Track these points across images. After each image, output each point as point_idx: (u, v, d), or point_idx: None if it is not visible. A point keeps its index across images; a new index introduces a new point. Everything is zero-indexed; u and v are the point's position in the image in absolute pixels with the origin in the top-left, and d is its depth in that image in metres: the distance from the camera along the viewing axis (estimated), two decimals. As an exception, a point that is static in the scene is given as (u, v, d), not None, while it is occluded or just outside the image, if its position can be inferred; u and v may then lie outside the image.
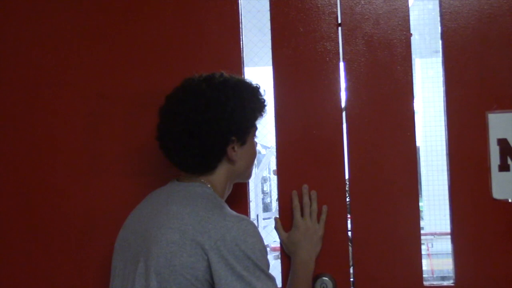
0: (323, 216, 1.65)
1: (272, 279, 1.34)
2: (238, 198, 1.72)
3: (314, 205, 1.66)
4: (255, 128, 1.51)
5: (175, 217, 1.33)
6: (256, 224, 1.37)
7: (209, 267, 1.28)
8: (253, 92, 1.49)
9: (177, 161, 1.45)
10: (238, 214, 1.36)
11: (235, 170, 1.48)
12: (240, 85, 1.48)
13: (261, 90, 1.52)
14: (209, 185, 1.44)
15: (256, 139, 1.53)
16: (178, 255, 1.29)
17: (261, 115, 1.51)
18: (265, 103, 1.51)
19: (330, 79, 1.71)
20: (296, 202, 1.66)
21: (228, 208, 1.39)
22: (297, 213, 1.65)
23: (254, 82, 1.52)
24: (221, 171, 1.46)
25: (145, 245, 1.34)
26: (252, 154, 1.52)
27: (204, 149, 1.41)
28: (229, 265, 1.28)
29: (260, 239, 1.35)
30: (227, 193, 1.52)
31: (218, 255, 1.28)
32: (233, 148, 1.44)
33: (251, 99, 1.47)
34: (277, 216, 1.71)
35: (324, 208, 1.66)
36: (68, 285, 1.75)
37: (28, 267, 1.76)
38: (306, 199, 1.66)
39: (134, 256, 1.37)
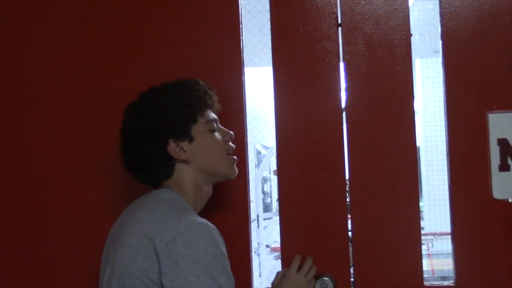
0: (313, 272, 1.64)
1: (226, 286, 1.29)
2: (239, 199, 1.72)
3: (315, 268, 1.64)
4: (207, 121, 1.46)
5: (137, 222, 1.34)
6: (215, 229, 1.33)
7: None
8: (184, 89, 1.46)
9: (134, 175, 1.49)
10: (197, 218, 1.34)
11: (198, 169, 1.45)
12: (168, 87, 1.47)
13: (199, 84, 1.48)
14: (176, 190, 1.43)
15: (216, 133, 1.47)
16: (135, 258, 1.29)
17: (203, 108, 1.46)
18: (203, 96, 1.47)
19: (330, 79, 1.71)
20: (298, 259, 1.64)
21: (190, 213, 1.37)
22: (294, 267, 1.63)
23: (194, 79, 1.50)
24: (183, 174, 1.45)
25: (112, 251, 1.37)
26: (209, 147, 1.45)
27: (146, 159, 1.43)
28: (178, 268, 1.26)
29: (215, 244, 1.30)
30: (206, 195, 1.50)
31: (168, 258, 1.27)
32: (181, 148, 1.43)
33: (180, 97, 1.44)
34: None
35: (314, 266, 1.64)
36: (67, 286, 1.75)
37: (26, 268, 1.76)
38: (310, 263, 1.64)
39: (104, 262, 1.41)
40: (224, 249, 1.34)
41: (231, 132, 1.51)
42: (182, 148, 1.43)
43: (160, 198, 1.40)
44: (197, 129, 1.44)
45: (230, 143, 1.52)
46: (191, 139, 1.43)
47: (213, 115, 1.49)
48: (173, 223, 1.31)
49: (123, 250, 1.32)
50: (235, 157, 1.52)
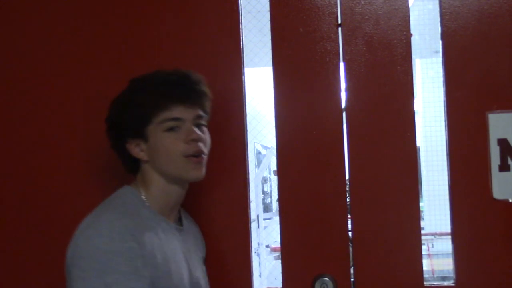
0: None
1: (115, 285, 1.26)
2: (239, 199, 1.72)
3: None
4: (161, 120, 1.39)
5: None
6: (130, 229, 1.31)
7: None
8: (141, 86, 1.43)
9: None
10: (114, 215, 1.34)
11: (157, 170, 1.42)
12: (132, 83, 1.45)
13: (166, 79, 1.42)
14: (141, 188, 1.44)
15: (174, 133, 1.40)
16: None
17: (160, 106, 1.39)
18: (166, 92, 1.40)
19: (330, 79, 1.71)
20: None
21: (119, 210, 1.36)
22: None
23: (171, 71, 1.45)
24: (146, 173, 1.44)
25: None
26: (162, 148, 1.39)
27: (117, 154, 1.47)
28: (74, 261, 1.31)
29: (111, 241, 1.28)
30: (176, 196, 1.46)
31: (70, 251, 1.34)
32: (140, 147, 1.42)
33: (135, 96, 1.42)
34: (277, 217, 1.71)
35: None
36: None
37: (23, 269, 1.76)
38: None
39: None
40: (133, 249, 1.29)
41: (198, 133, 1.41)
42: (140, 147, 1.42)
43: (113, 195, 1.43)
44: (152, 129, 1.40)
45: (198, 144, 1.41)
46: (146, 139, 1.41)
47: (172, 114, 1.39)
48: (87, 219, 1.35)
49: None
50: (197, 158, 1.41)
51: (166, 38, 1.75)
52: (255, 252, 5.36)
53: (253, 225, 4.93)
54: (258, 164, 6.37)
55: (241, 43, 1.73)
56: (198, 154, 1.41)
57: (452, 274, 1.71)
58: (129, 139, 1.42)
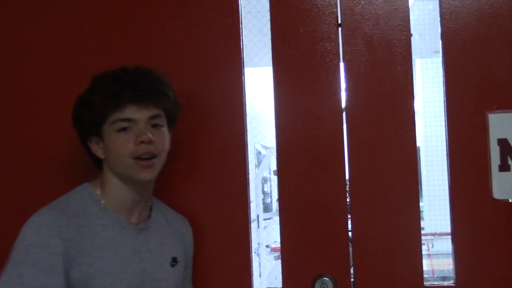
0: None
1: (29, 279, 1.28)
2: (239, 199, 1.72)
3: None
4: (113, 120, 1.38)
5: None
6: (50, 218, 1.34)
7: None
8: (103, 84, 1.41)
9: None
10: (43, 213, 1.36)
11: (112, 168, 1.43)
12: (95, 79, 1.45)
13: (119, 79, 1.40)
14: (95, 186, 1.45)
15: (126, 134, 1.38)
16: None
17: (113, 106, 1.37)
18: (119, 92, 1.38)
19: (330, 79, 1.71)
20: None
21: (56, 207, 1.38)
22: None
23: (125, 69, 1.44)
24: (104, 170, 1.46)
25: None
26: (113, 148, 1.38)
27: (85, 150, 1.47)
28: None
29: (35, 234, 1.31)
30: (132, 196, 1.44)
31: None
32: (98, 145, 1.43)
33: (96, 93, 1.41)
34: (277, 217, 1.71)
35: None
36: None
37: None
38: None
39: None
40: (56, 246, 1.31)
41: (148, 135, 1.37)
42: (99, 145, 1.43)
43: (70, 192, 1.46)
44: (106, 128, 1.40)
45: (148, 146, 1.38)
46: (101, 138, 1.41)
47: (124, 114, 1.37)
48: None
49: None
50: (146, 161, 1.38)
51: (167, 38, 1.75)
52: (255, 252, 5.36)
53: (253, 225, 4.93)
54: (258, 164, 6.37)
55: (241, 43, 1.73)
56: (147, 156, 1.38)
57: (452, 274, 1.71)
58: (90, 137, 1.44)
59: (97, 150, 1.43)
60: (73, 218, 1.36)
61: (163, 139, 1.43)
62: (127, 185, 1.43)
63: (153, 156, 1.39)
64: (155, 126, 1.41)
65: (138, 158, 1.38)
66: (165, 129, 1.44)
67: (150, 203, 1.53)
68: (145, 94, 1.39)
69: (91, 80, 1.46)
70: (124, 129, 1.38)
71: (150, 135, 1.38)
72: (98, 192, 1.44)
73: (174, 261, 1.51)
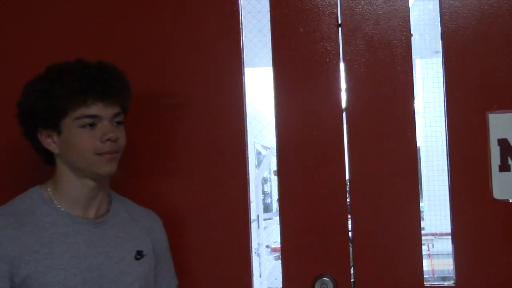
0: None
1: None
2: (239, 199, 1.72)
3: None
4: (77, 116, 1.35)
5: None
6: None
7: None
8: (65, 76, 1.37)
9: None
10: None
11: (68, 163, 1.39)
12: (53, 70, 1.39)
13: (85, 74, 1.36)
14: (45, 185, 1.43)
15: (88, 130, 1.36)
16: None
17: (77, 101, 1.34)
18: (86, 87, 1.35)
19: (330, 79, 1.71)
20: None
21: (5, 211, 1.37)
22: None
23: (88, 64, 1.40)
24: (57, 165, 1.42)
25: None
26: (75, 144, 1.36)
27: (28, 140, 1.43)
28: None
29: None
30: (89, 191, 1.41)
31: None
32: (51, 138, 1.39)
33: (58, 85, 1.36)
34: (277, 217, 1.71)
35: None
36: None
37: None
38: None
39: None
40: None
41: (111, 134, 1.37)
42: (52, 138, 1.39)
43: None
44: (67, 123, 1.36)
45: (113, 144, 1.37)
46: (59, 132, 1.37)
47: (90, 111, 1.36)
48: None
49: None
50: (109, 155, 1.37)
51: (167, 38, 1.75)
52: (255, 252, 5.36)
53: (253, 225, 4.93)
54: (258, 164, 6.37)
55: (241, 43, 1.73)
56: (112, 152, 1.38)
57: (452, 274, 1.71)
58: (41, 129, 1.39)
59: (50, 143, 1.39)
60: (11, 218, 1.35)
61: (124, 136, 1.43)
62: (83, 180, 1.40)
63: (116, 152, 1.40)
64: (117, 123, 1.40)
65: (102, 153, 1.37)
66: (122, 127, 1.43)
67: (109, 198, 1.50)
68: (112, 92, 1.38)
69: (47, 70, 1.40)
70: (88, 125, 1.36)
71: (116, 132, 1.38)
72: (50, 191, 1.42)
73: (139, 254, 1.48)
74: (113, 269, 1.41)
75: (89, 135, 1.36)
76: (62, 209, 1.40)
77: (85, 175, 1.40)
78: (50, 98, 1.35)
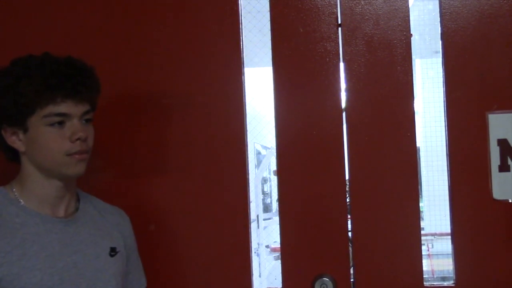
0: None
1: None
2: (239, 199, 1.72)
3: None
4: (46, 114, 1.30)
5: None
6: None
7: None
8: (32, 72, 1.30)
9: None
10: None
11: (34, 162, 1.34)
12: (18, 65, 1.33)
13: (53, 70, 1.30)
14: (10, 185, 1.38)
15: (57, 129, 1.31)
16: None
17: (45, 99, 1.29)
18: (55, 84, 1.29)
19: (330, 79, 1.71)
20: None
21: None
22: None
23: (52, 60, 1.33)
24: (23, 163, 1.37)
25: None
26: (43, 143, 1.31)
27: None
28: None
29: None
30: (56, 191, 1.37)
31: None
32: (17, 136, 1.33)
33: (24, 81, 1.29)
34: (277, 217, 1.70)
35: None
36: None
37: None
38: None
39: None
40: None
41: (81, 133, 1.32)
42: (18, 136, 1.33)
43: None
44: (34, 120, 1.30)
45: (83, 143, 1.33)
46: (25, 130, 1.32)
47: (59, 109, 1.31)
48: None
49: None
50: (80, 155, 1.33)
51: (166, 38, 1.75)
52: (255, 252, 5.36)
53: (253, 225, 4.94)
54: (258, 164, 6.37)
55: (241, 43, 1.73)
56: (81, 152, 1.34)
57: (452, 274, 1.71)
58: (5, 126, 1.33)
59: (15, 141, 1.34)
60: None
61: (92, 135, 1.38)
62: (50, 180, 1.36)
63: (85, 152, 1.35)
64: (86, 121, 1.36)
65: (72, 154, 1.33)
66: (92, 124, 1.39)
67: (77, 196, 1.46)
68: (82, 89, 1.33)
69: (12, 64, 1.34)
70: (57, 123, 1.31)
71: (85, 131, 1.34)
72: (16, 192, 1.37)
73: (113, 251, 1.45)
74: (89, 267, 1.38)
75: (58, 135, 1.31)
76: (31, 208, 1.36)
77: (52, 175, 1.35)
78: (16, 94, 1.29)
